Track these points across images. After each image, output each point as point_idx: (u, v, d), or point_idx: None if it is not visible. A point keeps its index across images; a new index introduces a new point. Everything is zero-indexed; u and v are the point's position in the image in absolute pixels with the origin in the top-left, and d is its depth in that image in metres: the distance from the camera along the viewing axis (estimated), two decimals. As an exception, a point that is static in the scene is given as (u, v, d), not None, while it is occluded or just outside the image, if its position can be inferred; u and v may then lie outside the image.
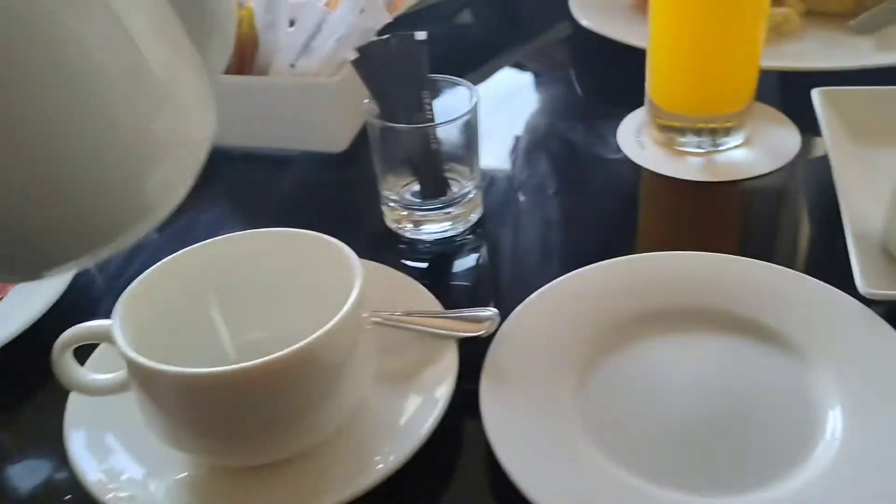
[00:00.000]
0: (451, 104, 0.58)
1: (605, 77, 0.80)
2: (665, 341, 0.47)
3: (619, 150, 0.65)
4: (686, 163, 0.62)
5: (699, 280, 0.49)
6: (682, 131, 0.63)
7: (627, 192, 0.63)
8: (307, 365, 0.38)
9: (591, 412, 0.43)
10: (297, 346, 0.37)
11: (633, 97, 0.68)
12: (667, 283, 0.49)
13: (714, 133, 0.62)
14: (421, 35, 0.56)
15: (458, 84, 0.57)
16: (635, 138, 0.65)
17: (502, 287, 0.55)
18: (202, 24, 0.32)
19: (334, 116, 0.64)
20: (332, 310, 0.39)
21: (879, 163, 0.57)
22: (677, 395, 0.44)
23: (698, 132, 0.63)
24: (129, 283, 0.56)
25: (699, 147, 0.63)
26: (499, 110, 0.73)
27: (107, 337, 0.39)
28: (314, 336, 0.37)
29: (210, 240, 0.45)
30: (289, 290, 0.45)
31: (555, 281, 0.50)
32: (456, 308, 0.48)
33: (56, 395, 0.44)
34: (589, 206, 0.61)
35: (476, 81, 0.78)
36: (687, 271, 0.50)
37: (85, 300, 0.55)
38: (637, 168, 0.63)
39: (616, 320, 0.47)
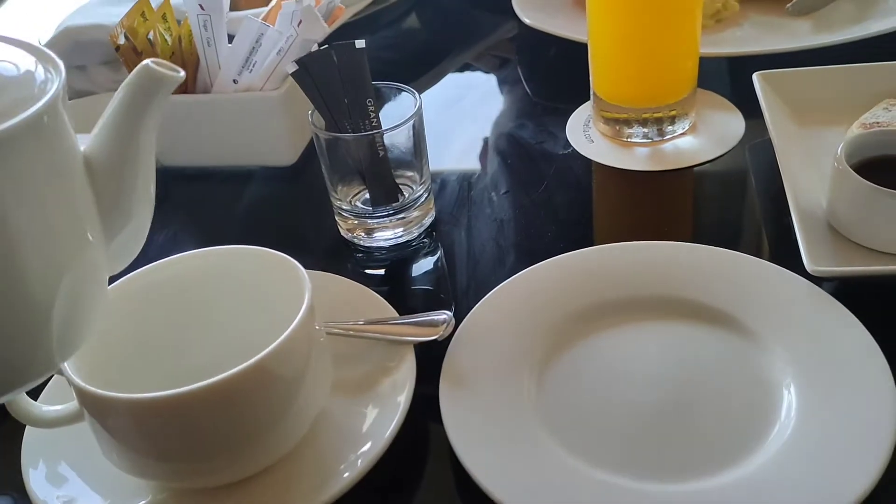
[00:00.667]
0: (396, 110, 0.58)
1: (551, 74, 0.80)
2: (619, 332, 0.47)
3: (568, 145, 0.65)
4: (634, 153, 0.63)
5: (652, 269, 0.50)
6: (627, 122, 0.64)
7: (579, 186, 0.64)
8: (262, 381, 0.38)
9: (549, 407, 0.43)
10: (249, 362, 0.37)
11: (579, 92, 0.69)
12: (620, 274, 0.49)
13: (659, 122, 0.63)
14: (360, 43, 0.56)
15: (401, 90, 0.57)
16: (583, 132, 0.66)
17: (459, 289, 0.55)
18: (117, 217, 0.39)
19: (281, 129, 0.64)
20: (285, 324, 0.39)
21: (821, 142, 0.58)
22: (634, 384, 0.44)
23: (644, 122, 0.63)
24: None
25: (646, 137, 0.63)
26: (448, 113, 0.73)
27: (55, 368, 0.39)
28: (266, 352, 0.37)
29: (156, 262, 0.45)
30: (241, 308, 0.45)
31: (508, 279, 0.50)
32: (414, 313, 0.48)
33: (12, 429, 0.43)
34: (542, 202, 0.61)
35: (424, 85, 0.79)
36: (640, 261, 0.50)
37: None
38: (587, 162, 0.64)
39: (571, 314, 0.48)
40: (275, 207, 0.66)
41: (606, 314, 0.48)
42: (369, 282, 0.52)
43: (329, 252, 0.60)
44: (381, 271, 0.58)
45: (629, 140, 0.64)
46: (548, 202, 0.61)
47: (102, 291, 0.39)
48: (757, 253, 0.51)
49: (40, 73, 0.35)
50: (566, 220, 0.60)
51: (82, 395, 0.37)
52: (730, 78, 0.72)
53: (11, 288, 0.34)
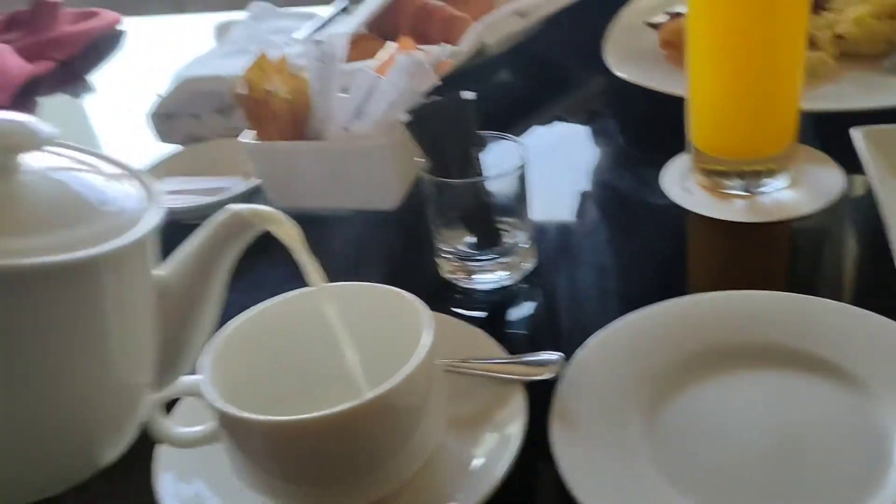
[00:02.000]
0: (499, 158, 0.61)
1: (644, 126, 0.82)
2: (727, 379, 0.48)
3: (665, 195, 0.67)
4: (732, 205, 0.64)
5: (757, 317, 0.50)
6: (726, 174, 0.65)
7: (676, 236, 0.65)
8: (386, 411, 0.40)
9: (659, 449, 0.44)
10: (375, 393, 0.39)
11: (673, 143, 0.70)
12: (725, 322, 0.50)
13: (758, 175, 0.64)
14: (468, 94, 0.58)
15: (506, 139, 0.60)
16: (680, 183, 0.67)
17: (559, 332, 0.57)
18: (175, 347, 0.41)
19: (387, 175, 0.67)
20: (403, 358, 0.41)
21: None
22: (743, 431, 0.45)
23: (742, 175, 0.64)
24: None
25: (744, 189, 0.64)
26: (543, 162, 0.75)
27: (195, 391, 0.41)
28: (392, 383, 0.39)
29: (286, 294, 0.47)
30: (361, 341, 0.47)
31: (613, 323, 0.51)
32: (518, 354, 0.50)
33: (144, 447, 0.46)
34: (640, 251, 0.62)
35: (519, 135, 0.81)
36: (744, 310, 0.51)
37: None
38: (684, 212, 0.65)
39: (678, 360, 0.49)
40: (377, 249, 0.69)
41: (713, 361, 0.49)
42: (469, 323, 0.54)
43: (430, 292, 0.62)
44: (481, 313, 0.59)
45: (727, 192, 0.65)
46: (646, 251, 0.63)
47: (133, 413, 0.41)
48: (858, 304, 0.51)
49: (143, 199, 0.39)
50: (664, 268, 0.61)
51: (223, 417, 0.40)
52: (824, 133, 0.73)
53: (63, 401, 0.36)
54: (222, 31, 1.04)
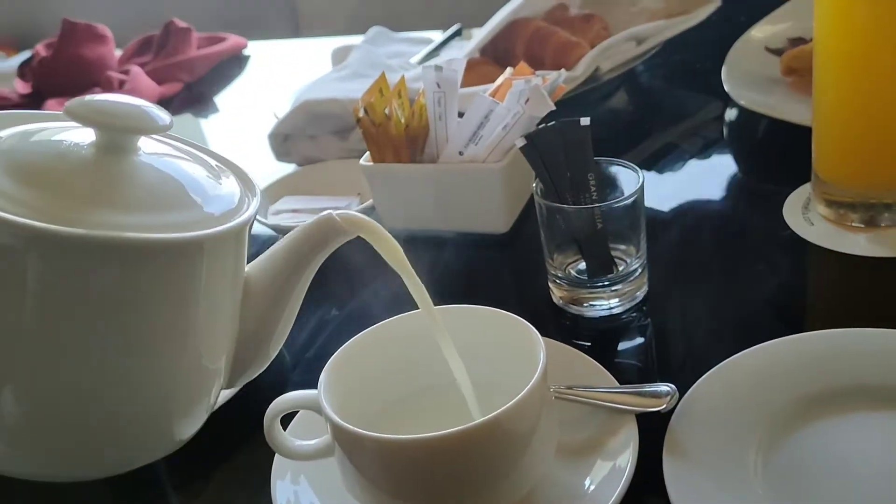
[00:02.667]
0: (615, 184, 0.60)
1: (763, 154, 0.80)
2: (846, 419, 0.46)
3: (786, 226, 0.65)
4: (857, 238, 0.61)
5: (882, 357, 0.48)
6: (851, 206, 0.62)
7: (796, 269, 0.63)
8: (499, 435, 0.40)
9: (775, 489, 0.42)
10: (491, 416, 0.39)
11: (796, 173, 0.68)
12: (848, 361, 0.48)
13: (888, 207, 0.61)
14: (585, 121, 0.58)
15: (622, 165, 0.60)
16: (803, 214, 0.65)
17: (670, 363, 0.56)
18: (252, 343, 0.44)
19: (499, 199, 0.67)
20: (512, 382, 0.41)
21: None
22: (862, 473, 0.43)
23: (868, 207, 0.61)
24: (315, 357, 0.61)
25: (872, 222, 0.62)
26: (658, 189, 0.75)
27: (314, 405, 0.43)
28: (506, 406, 0.39)
29: (400, 315, 0.48)
30: (472, 363, 0.47)
31: (731, 358, 0.50)
32: (626, 384, 0.49)
33: (260, 456, 0.48)
34: (758, 283, 0.61)
35: (633, 161, 0.80)
36: (868, 348, 0.49)
37: (277, 371, 0.60)
38: (806, 244, 0.62)
39: (795, 398, 0.47)
40: (488, 272, 0.70)
41: (833, 400, 0.47)
42: (579, 349, 0.54)
43: (539, 317, 0.62)
44: (591, 341, 0.59)
45: (852, 224, 0.62)
46: (764, 283, 0.61)
47: (207, 399, 0.43)
48: None
49: (240, 193, 0.42)
50: (784, 301, 0.59)
51: (339, 432, 0.41)
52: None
53: (148, 378, 0.39)
54: (339, 55, 1.07)
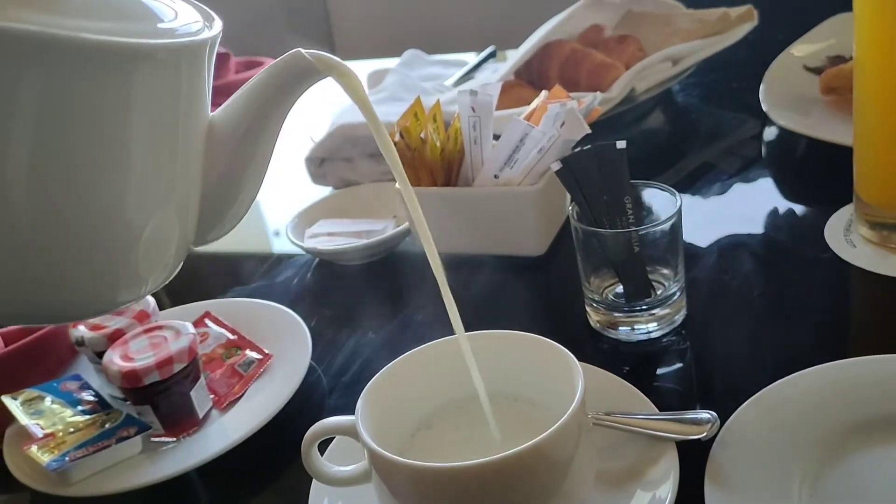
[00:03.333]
0: (652, 207, 0.60)
1: (803, 175, 0.79)
2: (893, 448, 0.45)
3: (827, 248, 0.63)
4: (902, 260, 0.60)
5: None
6: (895, 228, 0.61)
7: (839, 292, 0.61)
8: (537, 462, 0.39)
9: (823, 522, 0.41)
10: (529, 444, 0.39)
11: (837, 193, 0.67)
12: (890, 388, 0.47)
13: (932, 229, 0.60)
14: (621, 144, 0.58)
15: (659, 188, 0.59)
16: (844, 236, 0.64)
17: (709, 389, 0.55)
18: (221, 188, 0.39)
19: (534, 222, 0.67)
20: (552, 410, 0.41)
21: None
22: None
23: (914, 229, 0.60)
24: (352, 382, 0.61)
25: (916, 244, 0.60)
26: (695, 211, 0.74)
27: (351, 431, 0.43)
28: (544, 434, 0.39)
29: (436, 341, 0.48)
30: (510, 388, 0.47)
31: (773, 385, 0.49)
32: (664, 410, 0.48)
33: (298, 482, 0.48)
34: (799, 306, 0.60)
35: (670, 183, 0.80)
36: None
37: (315, 395, 0.60)
38: (848, 267, 0.61)
39: (840, 426, 0.46)
40: (523, 296, 0.69)
41: (880, 428, 0.45)
42: (617, 374, 0.53)
43: (576, 342, 0.61)
44: (628, 366, 0.58)
45: (896, 246, 0.61)
46: (805, 306, 0.60)
47: (179, 248, 0.38)
48: None
49: (201, 21, 0.37)
50: (825, 326, 0.58)
51: (375, 458, 0.41)
52: None
53: (114, 198, 0.34)
54: (375, 78, 1.08)
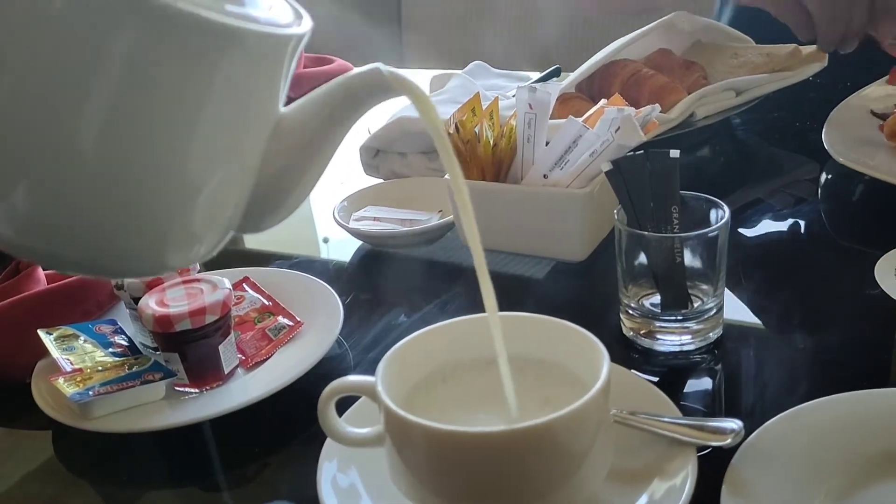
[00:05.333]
0: (699, 221, 0.59)
1: (858, 214, 0.77)
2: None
3: (876, 285, 0.62)
4: (953, 305, 0.58)
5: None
6: (949, 272, 0.59)
7: (884, 328, 0.60)
8: (547, 441, 0.39)
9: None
10: (544, 419, 0.38)
11: (889, 236, 0.66)
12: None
13: None
14: (674, 153, 0.58)
15: (708, 202, 0.58)
16: (895, 275, 0.62)
17: (739, 408, 0.54)
18: (264, 203, 0.40)
19: (580, 226, 0.67)
20: (575, 393, 0.40)
21: None
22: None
23: (968, 274, 0.59)
24: (377, 357, 0.61)
25: (969, 289, 0.59)
26: (744, 236, 0.73)
27: (369, 390, 0.43)
28: (560, 413, 0.39)
29: (461, 317, 0.48)
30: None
31: (806, 403, 0.48)
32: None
33: (313, 439, 0.48)
34: (841, 338, 0.58)
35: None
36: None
37: (340, 367, 0.60)
38: (894, 304, 0.60)
39: (872, 453, 0.44)
40: (560, 299, 0.69)
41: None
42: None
43: (608, 347, 0.61)
44: (658, 376, 0.57)
45: (948, 290, 0.59)
46: (847, 339, 0.58)
47: (221, 228, 0.39)
48: None
49: (291, 17, 0.37)
50: (866, 358, 0.56)
51: (391, 416, 0.40)
52: None
53: (177, 161, 0.35)
54: (438, 81, 1.09)
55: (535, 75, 1.19)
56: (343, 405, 0.48)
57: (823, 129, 0.83)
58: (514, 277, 0.71)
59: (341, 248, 0.80)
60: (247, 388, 0.56)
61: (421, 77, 1.22)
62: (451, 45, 1.76)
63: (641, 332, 0.59)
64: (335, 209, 0.79)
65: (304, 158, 0.40)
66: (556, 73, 1.17)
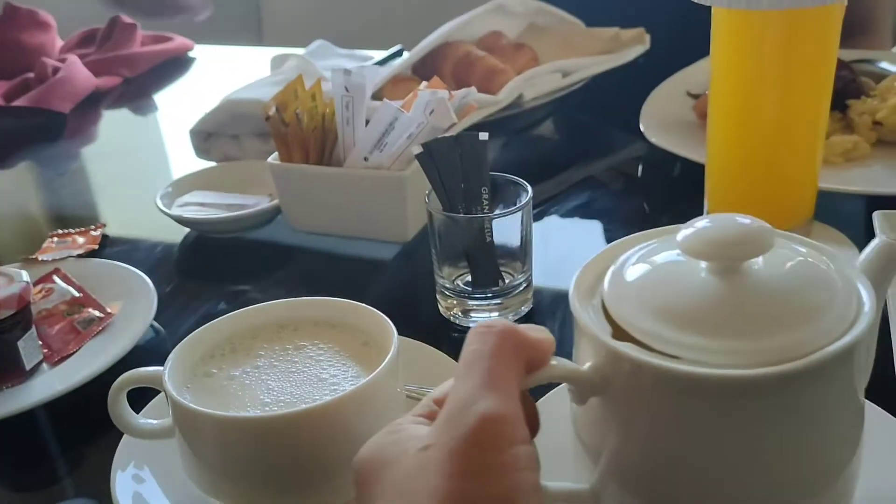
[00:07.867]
0: (508, 200, 0.61)
1: (668, 191, 0.82)
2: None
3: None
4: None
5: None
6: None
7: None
8: (333, 421, 0.40)
9: None
10: (321, 401, 0.39)
11: (694, 210, 0.70)
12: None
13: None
14: (483, 135, 0.59)
15: (515, 183, 0.60)
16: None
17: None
18: None
19: (402, 208, 0.68)
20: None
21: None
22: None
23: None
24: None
25: (755, 260, 0.63)
26: (561, 218, 0.76)
27: (157, 381, 0.42)
28: (343, 392, 0.39)
29: (267, 303, 0.48)
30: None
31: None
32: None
33: (114, 437, 0.47)
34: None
35: (545, 191, 0.82)
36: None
37: (154, 356, 0.59)
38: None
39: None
40: (382, 279, 0.70)
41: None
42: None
43: (428, 328, 0.62)
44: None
45: (738, 261, 0.64)
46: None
47: None
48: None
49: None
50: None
51: (177, 407, 0.40)
52: (844, 215, 0.71)
53: None
54: (278, 62, 1.08)
55: (380, 55, 1.19)
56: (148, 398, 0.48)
57: (641, 110, 0.88)
58: (339, 260, 0.72)
59: (168, 234, 0.78)
60: (51, 384, 0.54)
61: (268, 56, 1.20)
62: (311, 21, 1.73)
63: (457, 311, 0.61)
64: (158, 195, 0.76)
65: None
66: (399, 54, 1.18)
